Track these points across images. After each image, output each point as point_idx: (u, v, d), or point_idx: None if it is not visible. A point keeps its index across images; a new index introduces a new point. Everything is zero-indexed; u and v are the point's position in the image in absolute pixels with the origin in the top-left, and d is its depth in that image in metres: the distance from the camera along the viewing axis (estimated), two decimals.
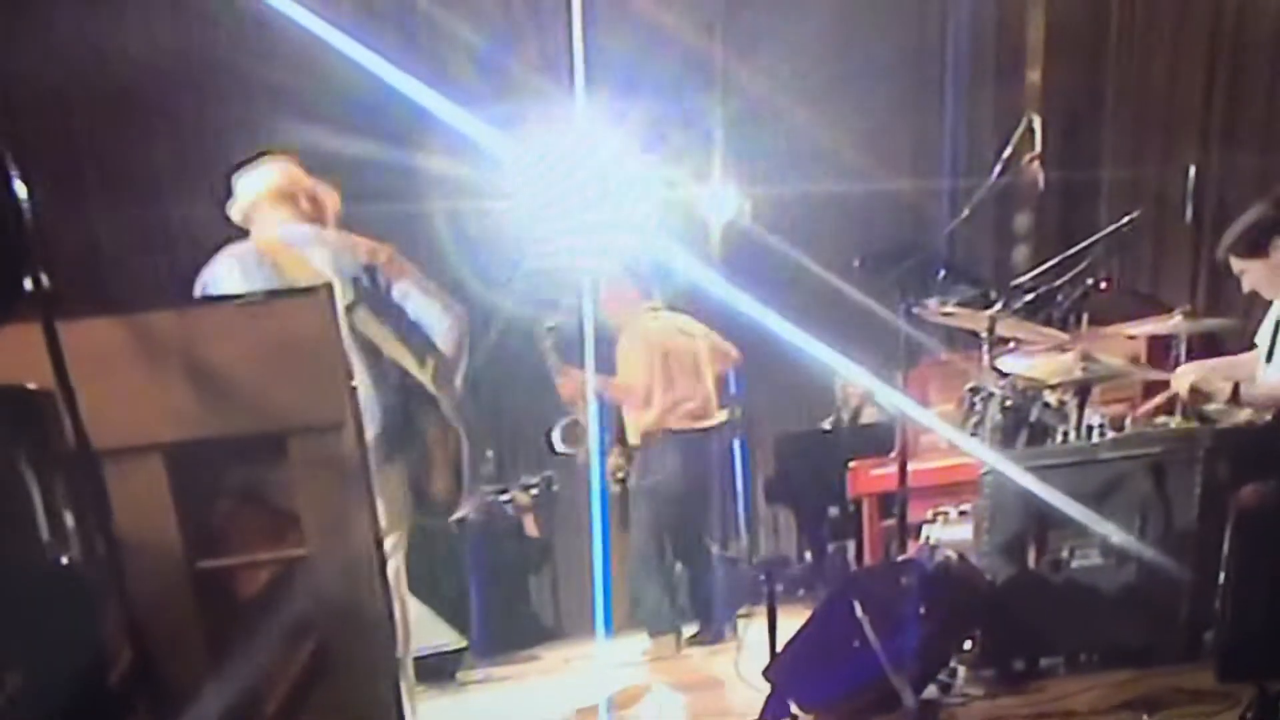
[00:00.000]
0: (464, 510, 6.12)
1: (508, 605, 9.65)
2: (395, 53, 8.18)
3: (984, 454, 6.54)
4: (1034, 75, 10.98)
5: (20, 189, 3.32)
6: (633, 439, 8.69)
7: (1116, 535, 5.84)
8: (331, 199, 5.97)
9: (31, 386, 3.17)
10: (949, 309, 7.17)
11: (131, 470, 3.56)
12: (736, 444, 9.68)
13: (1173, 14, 10.24)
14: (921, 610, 5.28)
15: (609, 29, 9.22)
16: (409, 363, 5.67)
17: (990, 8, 11.15)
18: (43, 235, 3.37)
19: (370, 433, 5.14)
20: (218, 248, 5.67)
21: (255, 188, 5.87)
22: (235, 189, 5.91)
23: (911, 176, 10.27)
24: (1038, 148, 6.75)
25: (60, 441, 3.23)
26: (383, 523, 5.55)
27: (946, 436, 7.58)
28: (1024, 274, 8.35)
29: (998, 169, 6.63)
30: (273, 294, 4.56)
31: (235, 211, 5.91)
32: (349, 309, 5.44)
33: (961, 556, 5.92)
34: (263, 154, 6.00)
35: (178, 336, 3.75)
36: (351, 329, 5.40)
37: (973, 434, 6.73)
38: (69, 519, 3.21)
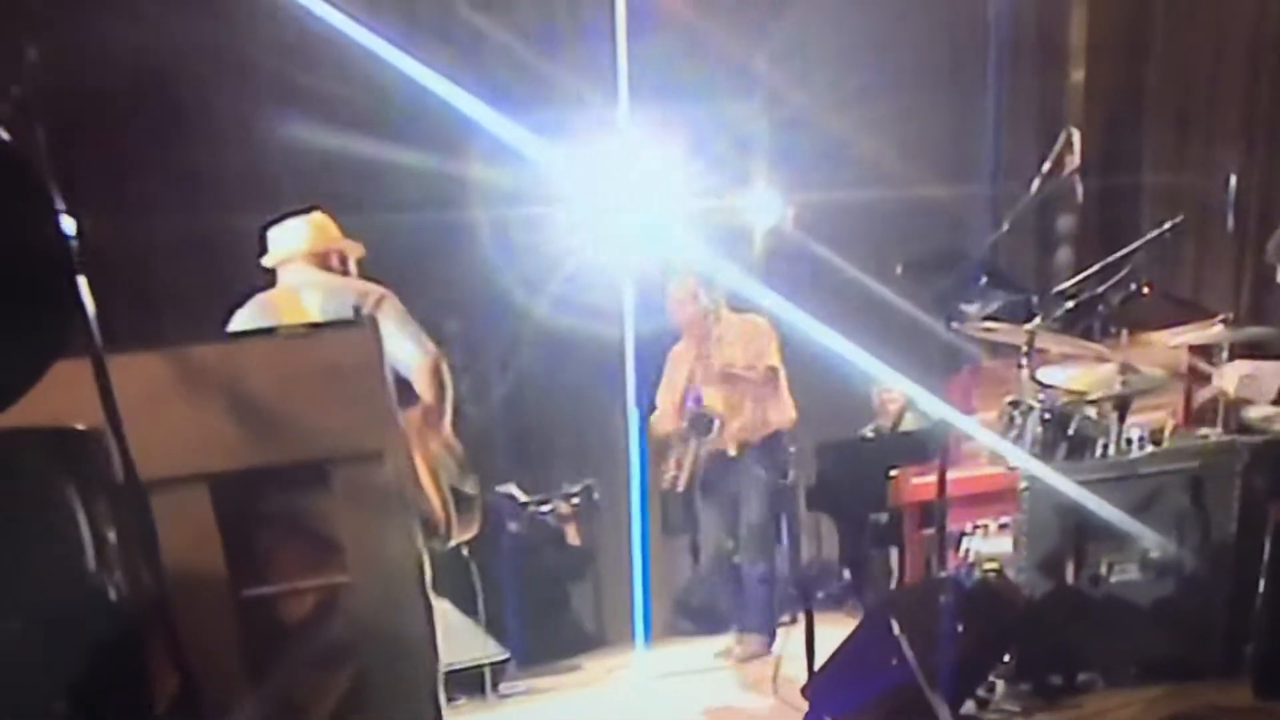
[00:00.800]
0: (461, 536, 6.08)
1: (550, 616, 9.64)
2: (439, 60, 8.19)
3: (1024, 460, 6.54)
4: (1077, 77, 10.93)
5: (69, 226, 3.37)
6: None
7: (1155, 549, 5.84)
8: (356, 251, 6.29)
9: (80, 427, 3.21)
10: (988, 323, 7.15)
11: (178, 500, 3.62)
12: None
13: (1216, 17, 10.16)
14: (959, 628, 5.29)
15: (652, 37, 9.22)
16: None
17: (1032, 11, 11.09)
18: (90, 269, 3.42)
19: None
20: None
21: (290, 246, 6.17)
22: (270, 242, 6.19)
23: (953, 182, 10.22)
24: (1077, 161, 6.71)
25: (109, 476, 3.28)
26: None
27: (988, 444, 7.55)
28: (1065, 280, 8.31)
29: (1037, 182, 6.59)
30: (316, 326, 4.63)
31: (269, 261, 6.18)
32: None
33: (999, 573, 5.93)
34: (308, 208, 6.28)
35: (223, 369, 3.80)
36: None
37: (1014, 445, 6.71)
38: (117, 550, 3.26)
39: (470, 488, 6.20)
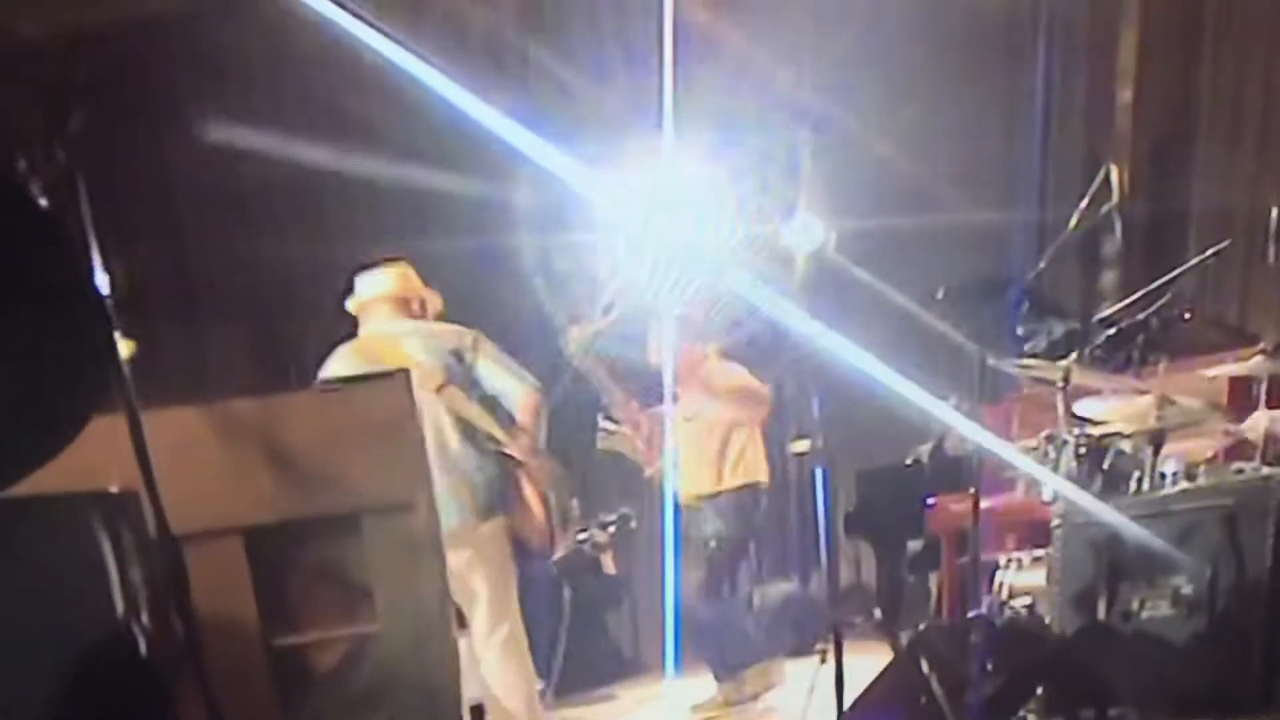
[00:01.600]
0: (558, 553, 6.91)
1: (585, 644, 9.64)
2: (487, 87, 8.24)
3: (1058, 494, 6.56)
4: (1125, 99, 10.89)
5: (103, 283, 3.45)
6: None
7: (1188, 585, 5.84)
8: (435, 301, 6.83)
9: (114, 490, 3.29)
10: (1024, 360, 7.16)
11: (212, 552, 3.69)
12: (819, 473, 9.66)
13: (1267, 42, 10.12)
14: (988, 666, 5.32)
15: (698, 65, 9.25)
16: (497, 432, 6.45)
17: (1081, 34, 11.06)
18: (129, 325, 3.50)
19: (469, 497, 6.31)
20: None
21: (376, 291, 6.72)
22: (357, 287, 6.73)
23: (999, 207, 10.21)
24: (1115, 197, 6.72)
25: (142, 533, 3.35)
26: (486, 584, 6.37)
27: (1026, 472, 7.54)
28: (1110, 304, 8.31)
29: (1074, 219, 6.61)
30: (351, 379, 4.73)
31: (353, 305, 6.71)
32: (440, 389, 6.31)
33: (1030, 609, 5.95)
34: (387, 260, 6.82)
35: (259, 422, 3.88)
36: (446, 406, 6.33)
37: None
38: (149, 604, 3.33)
39: (574, 509, 6.61)
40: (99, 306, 3.40)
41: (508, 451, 6.49)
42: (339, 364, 6.35)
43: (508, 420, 6.54)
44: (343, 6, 7.46)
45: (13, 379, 3.11)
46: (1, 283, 3.15)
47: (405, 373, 4.17)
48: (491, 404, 6.52)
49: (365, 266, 6.80)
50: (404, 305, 6.70)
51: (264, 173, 9.62)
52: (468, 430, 6.42)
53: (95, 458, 3.29)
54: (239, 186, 9.82)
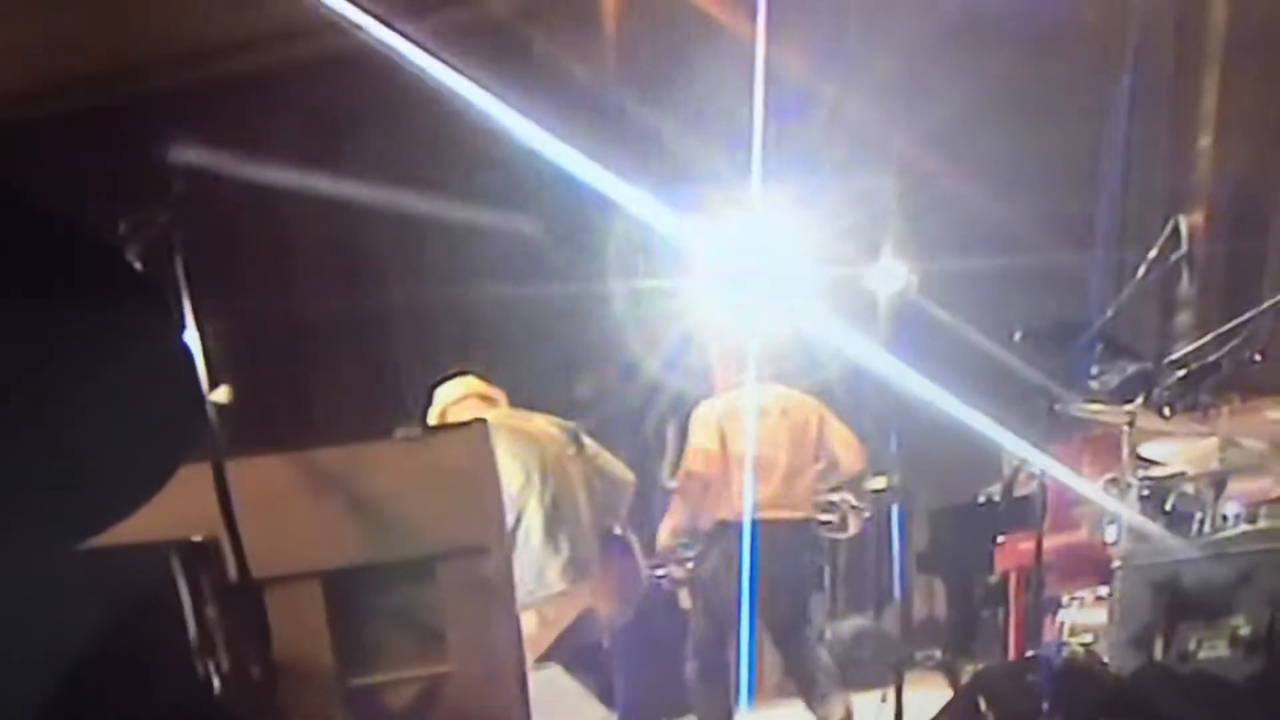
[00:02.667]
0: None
1: (657, 679, 9.63)
2: (583, 139, 8.28)
3: (1127, 521, 6.50)
4: (1205, 143, 10.77)
5: (193, 339, 3.52)
6: None
7: (1245, 626, 5.75)
8: (502, 396, 7.26)
9: (198, 539, 3.35)
10: (1091, 404, 7.08)
11: (291, 595, 3.76)
12: (895, 511, 9.64)
13: None
14: (1045, 706, 5.26)
15: (788, 114, 9.26)
16: (601, 500, 7.15)
17: (1163, 78, 10.96)
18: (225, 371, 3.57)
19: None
20: None
21: (459, 391, 7.10)
22: (436, 398, 7.05)
23: (1078, 250, 10.11)
24: (1184, 247, 6.63)
25: (223, 580, 3.41)
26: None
27: (1097, 507, 7.46)
28: (1179, 348, 8.19)
29: (1142, 269, 6.54)
30: (432, 429, 4.79)
31: (434, 415, 6.96)
32: (573, 456, 7.00)
33: (1089, 650, 5.88)
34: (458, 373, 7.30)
35: (341, 471, 3.94)
36: (577, 470, 6.99)
37: (1110, 523, 6.66)
38: (227, 648, 3.38)
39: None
40: (189, 363, 3.46)
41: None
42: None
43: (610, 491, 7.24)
44: (450, 65, 7.57)
45: (100, 433, 3.17)
46: (94, 341, 3.23)
47: (482, 422, 4.22)
48: (598, 474, 7.16)
49: (434, 385, 7.18)
50: (489, 402, 7.07)
51: (368, 225, 9.75)
52: (587, 492, 7.00)
53: (181, 506, 3.35)
54: (343, 239, 9.95)
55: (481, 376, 7.31)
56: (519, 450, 6.71)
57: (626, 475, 7.20)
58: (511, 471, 6.57)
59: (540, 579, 6.54)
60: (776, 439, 8.10)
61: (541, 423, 7.03)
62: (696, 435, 8.05)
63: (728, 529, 7.96)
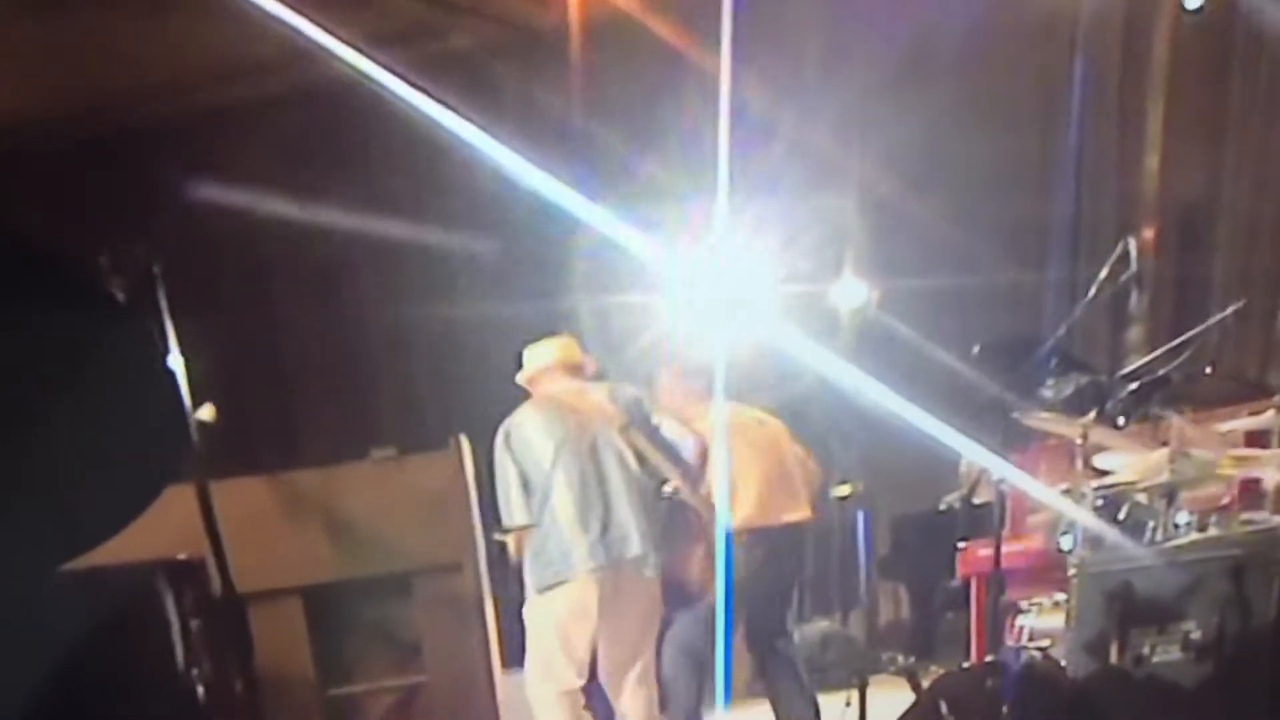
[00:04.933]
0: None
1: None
2: (550, 159, 8.29)
3: (1084, 527, 6.53)
4: (1152, 163, 10.87)
5: (177, 363, 3.53)
6: None
7: (1196, 631, 5.79)
8: (592, 363, 7.22)
9: (183, 557, 3.37)
10: (1045, 415, 7.12)
11: (273, 610, 3.78)
12: (860, 518, 9.68)
13: None
14: (1005, 710, 5.29)
15: (751, 138, 9.30)
16: (666, 469, 6.96)
17: (1113, 99, 11.06)
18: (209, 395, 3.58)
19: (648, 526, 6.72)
20: None
21: (549, 358, 7.00)
22: (527, 360, 6.96)
23: (1034, 268, 10.19)
24: (1133, 268, 6.69)
25: (208, 595, 3.43)
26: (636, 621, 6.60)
27: (1055, 513, 7.49)
28: (1131, 362, 8.25)
29: (1094, 289, 6.60)
30: (406, 451, 4.79)
31: (523, 377, 6.88)
32: (624, 428, 6.83)
33: (1046, 655, 5.91)
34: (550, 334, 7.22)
35: (320, 491, 3.96)
36: (628, 442, 6.82)
37: (1064, 532, 6.70)
38: (211, 660, 3.40)
39: None
40: (172, 387, 3.47)
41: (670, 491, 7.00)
42: (527, 417, 6.61)
43: (676, 461, 7.02)
44: (425, 92, 7.59)
45: (86, 457, 3.18)
46: (79, 369, 3.24)
47: (457, 442, 4.25)
48: (661, 445, 7.00)
49: (530, 342, 7.10)
50: (576, 370, 7.04)
51: (345, 251, 9.76)
52: (643, 464, 6.84)
53: (167, 526, 3.36)
54: (320, 264, 9.95)
55: (574, 336, 7.39)
56: (555, 427, 6.66)
57: (686, 437, 7.06)
58: (544, 450, 6.57)
59: (566, 559, 6.45)
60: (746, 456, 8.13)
61: (600, 394, 6.94)
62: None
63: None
